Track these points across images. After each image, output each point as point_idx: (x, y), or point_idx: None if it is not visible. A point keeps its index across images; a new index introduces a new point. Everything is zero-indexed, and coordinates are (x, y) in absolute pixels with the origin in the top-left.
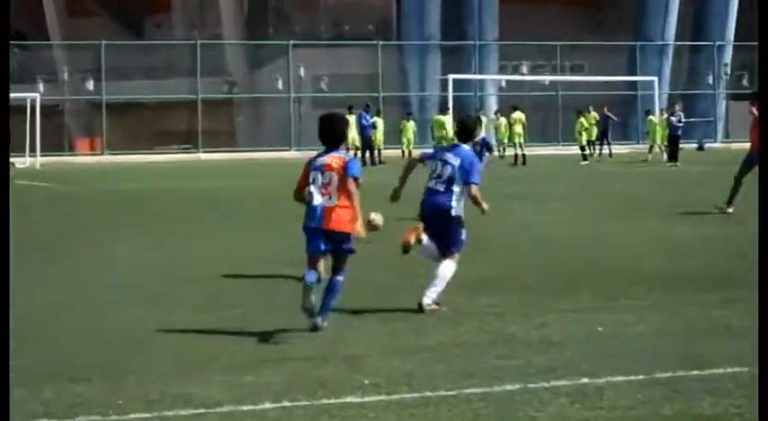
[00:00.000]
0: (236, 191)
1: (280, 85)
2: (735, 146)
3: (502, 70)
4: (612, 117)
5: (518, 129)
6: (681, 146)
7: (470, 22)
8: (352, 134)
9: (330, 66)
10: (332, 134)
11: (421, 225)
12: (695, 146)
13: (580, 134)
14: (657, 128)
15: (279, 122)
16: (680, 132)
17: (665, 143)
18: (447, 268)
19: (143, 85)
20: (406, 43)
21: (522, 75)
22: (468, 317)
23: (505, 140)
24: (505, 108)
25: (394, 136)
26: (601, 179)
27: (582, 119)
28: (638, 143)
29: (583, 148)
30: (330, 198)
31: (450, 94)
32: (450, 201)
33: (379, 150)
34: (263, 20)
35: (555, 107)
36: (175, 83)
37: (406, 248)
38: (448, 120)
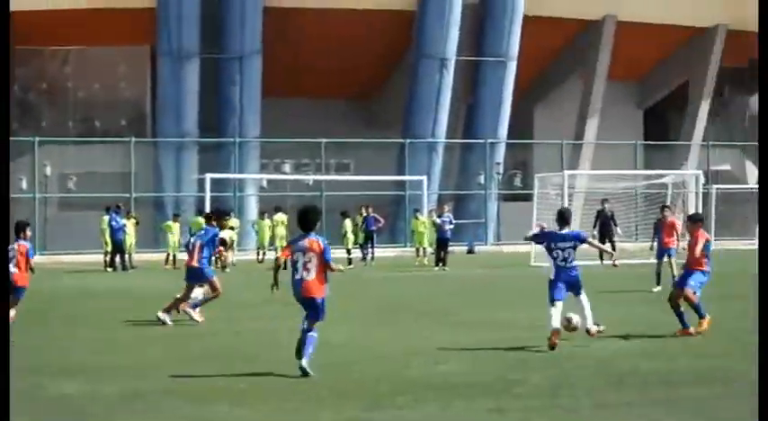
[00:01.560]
0: None
1: (24, 185)
2: (506, 248)
3: (263, 169)
4: (378, 219)
5: (280, 231)
6: (450, 249)
7: (230, 117)
8: (105, 237)
9: (79, 163)
10: (308, 222)
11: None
12: (465, 248)
13: (345, 237)
14: (425, 230)
15: None
16: (449, 234)
17: (433, 246)
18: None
19: None
20: (161, 140)
21: (285, 173)
22: None
23: (266, 244)
24: (268, 210)
25: (147, 239)
26: (368, 284)
27: (347, 220)
28: (406, 246)
29: (349, 252)
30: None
31: (208, 194)
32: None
33: (130, 254)
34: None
35: (319, 208)
36: None
37: None
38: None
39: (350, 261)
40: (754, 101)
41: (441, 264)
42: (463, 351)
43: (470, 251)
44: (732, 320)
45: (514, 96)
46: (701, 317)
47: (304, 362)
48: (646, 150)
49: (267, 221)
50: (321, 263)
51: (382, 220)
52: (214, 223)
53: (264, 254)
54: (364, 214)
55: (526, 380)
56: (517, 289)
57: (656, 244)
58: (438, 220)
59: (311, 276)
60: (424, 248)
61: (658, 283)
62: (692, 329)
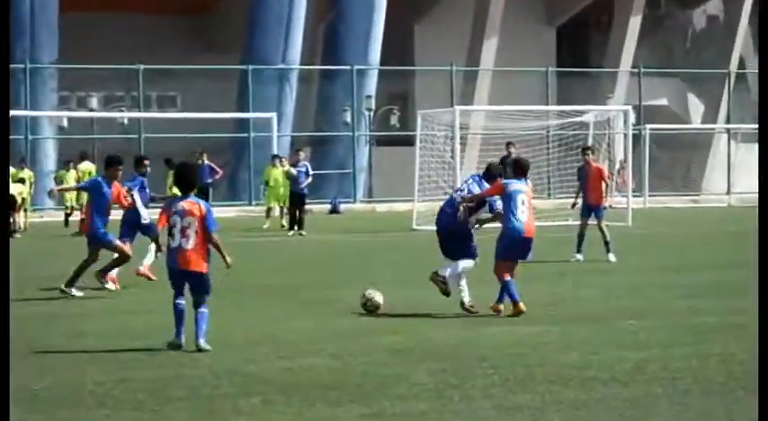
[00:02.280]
0: None
1: None
2: (380, 207)
3: (63, 104)
4: (215, 168)
5: None
6: (308, 207)
7: (18, 38)
8: None
9: None
10: (187, 181)
11: None
12: (328, 207)
13: (171, 192)
14: (278, 183)
15: None
16: (305, 189)
17: (286, 204)
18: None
19: None
20: None
21: (91, 110)
22: None
23: (73, 203)
24: (72, 158)
25: None
26: None
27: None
28: (251, 204)
29: None
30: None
31: None
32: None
33: None
34: None
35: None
36: None
37: None
38: None
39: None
40: (698, 15)
41: (296, 228)
42: (324, 340)
43: (334, 210)
44: (676, 300)
45: (389, 12)
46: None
47: (201, 341)
48: (560, 80)
49: (72, 172)
50: (202, 230)
51: (220, 171)
52: None
53: (70, 214)
54: (199, 163)
55: (408, 376)
56: (392, 261)
57: (580, 200)
58: (292, 171)
59: (190, 244)
60: (281, 207)
61: (579, 250)
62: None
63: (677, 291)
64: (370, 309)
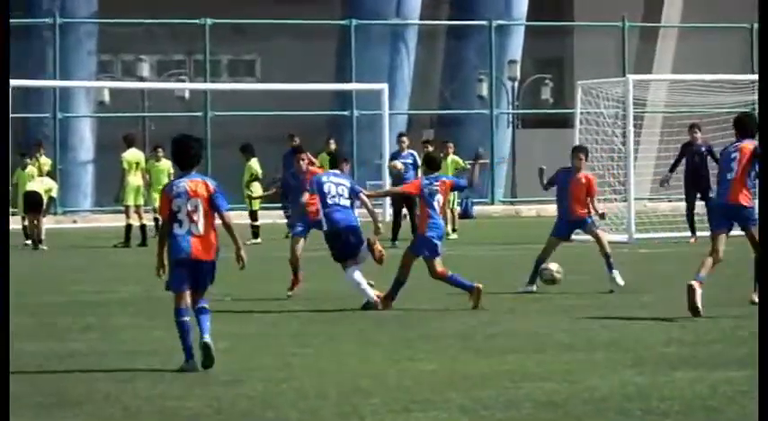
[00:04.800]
0: None
1: None
2: (526, 210)
3: (104, 71)
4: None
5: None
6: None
7: None
8: None
9: None
10: (188, 156)
11: None
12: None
13: (249, 189)
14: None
15: None
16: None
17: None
18: None
19: None
20: None
21: (141, 79)
22: None
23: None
24: (115, 141)
25: None
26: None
27: (253, 161)
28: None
29: (254, 216)
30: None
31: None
32: None
33: None
34: None
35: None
36: None
37: None
38: None
39: (256, 232)
40: None
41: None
42: (450, 386)
43: (465, 214)
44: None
45: None
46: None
47: (207, 337)
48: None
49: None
50: (210, 211)
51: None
52: None
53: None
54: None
55: None
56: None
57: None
58: (398, 165)
59: (200, 230)
60: (452, 210)
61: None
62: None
63: None
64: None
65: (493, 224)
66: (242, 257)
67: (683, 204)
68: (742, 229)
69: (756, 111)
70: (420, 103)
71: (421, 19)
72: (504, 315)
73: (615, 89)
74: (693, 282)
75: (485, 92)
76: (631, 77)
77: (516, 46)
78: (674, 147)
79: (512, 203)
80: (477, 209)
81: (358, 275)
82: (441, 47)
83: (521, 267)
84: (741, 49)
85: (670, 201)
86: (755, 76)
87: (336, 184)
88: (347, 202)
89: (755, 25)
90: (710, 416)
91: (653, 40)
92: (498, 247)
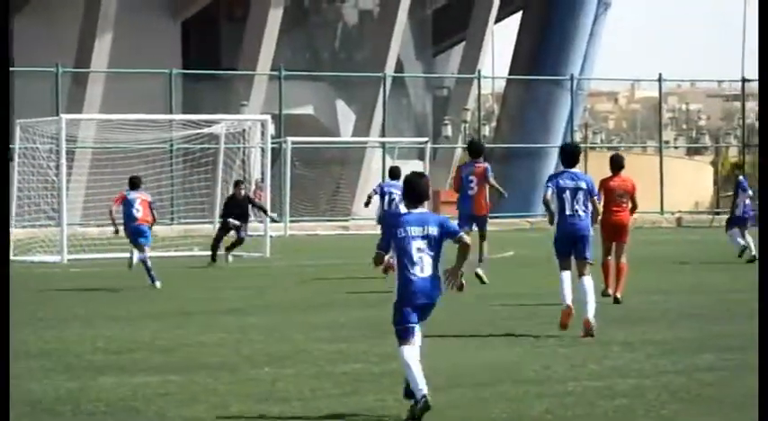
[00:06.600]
0: None
1: None
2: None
3: None
4: None
5: None
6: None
7: None
8: None
9: None
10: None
11: None
12: None
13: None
14: None
15: None
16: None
17: None
18: None
19: None
20: None
21: None
22: None
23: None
24: None
25: None
26: None
27: None
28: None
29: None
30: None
31: None
32: None
33: None
34: None
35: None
36: None
37: None
38: None
39: None
40: (349, 10)
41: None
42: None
43: None
44: (320, 343)
45: None
46: None
47: None
48: (186, 83)
49: None
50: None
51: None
52: None
53: None
54: None
55: None
56: None
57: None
58: None
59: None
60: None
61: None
62: None
63: (322, 332)
64: None
65: None
66: None
67: (110, 228)
68: None
69: (174, 148)
70: None
71: None
72: None
73: (50, 127)
74: None
75: None
76: (64, 117)
77: None
78: (104, 178)
79: None
80: None
81: None
82: None
83: None
84: (162, 92)
85: (99, 226)
86: (174, 117)
87: None
88: None
89: (174, 70)
90: (132, 415)
91: (84, 84)
92: None
